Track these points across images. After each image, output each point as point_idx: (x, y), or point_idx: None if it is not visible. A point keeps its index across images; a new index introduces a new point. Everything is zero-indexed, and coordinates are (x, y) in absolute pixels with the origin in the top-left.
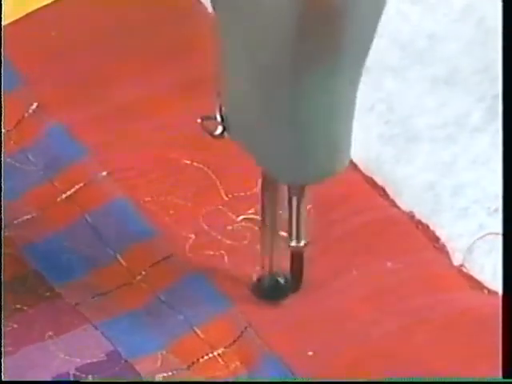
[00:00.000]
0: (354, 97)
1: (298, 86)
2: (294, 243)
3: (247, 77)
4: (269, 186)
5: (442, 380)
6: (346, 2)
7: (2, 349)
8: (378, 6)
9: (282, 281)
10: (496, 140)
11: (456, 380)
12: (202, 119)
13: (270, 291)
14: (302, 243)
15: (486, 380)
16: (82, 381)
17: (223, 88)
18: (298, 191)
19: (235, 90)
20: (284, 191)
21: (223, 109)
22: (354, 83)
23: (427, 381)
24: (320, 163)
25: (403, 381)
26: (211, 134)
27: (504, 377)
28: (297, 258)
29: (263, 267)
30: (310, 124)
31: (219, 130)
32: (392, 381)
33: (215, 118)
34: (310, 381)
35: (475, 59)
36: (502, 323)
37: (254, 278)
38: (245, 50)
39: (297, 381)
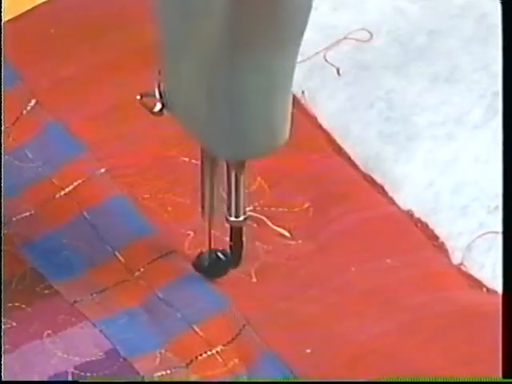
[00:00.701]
0: (291, 74)
1: (236, 62)
2: (233, 218)
3: (186, 53)
4: (208, 161)
5: (442, 380)
6: None
7: (2, 347)
8: None
9: (222, 256)
10: (496, 138)
11: (456, 380)
12: (141, 96)
13: (210, 267)
14: (241, 218)
15: (486, 380)
16: (80, 381)
17: (163, 65)
18: (236, 166)
19: (175, 67)
20: (223, 167)
21: (162, 85)
22: (290, 60)
23: (427, 381)
24: (257, 139)
25: (403, 381)
26: (150, 111)
27: (504, 377)
28: (236, 233)
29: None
30: (247, 100)
31: (158, 106)
32: (392, 381)
33: (154, 95)
34: (310, 381)
35: (475, 56)
36: (502, 322)
37: (253, 278)
38: (185, 25)
39: (297, 381)
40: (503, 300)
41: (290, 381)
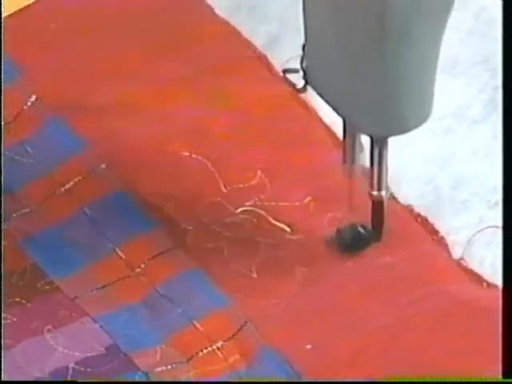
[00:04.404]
0: (439, 48)
1: (388, 42)
2: (375, 192)
3: (334, 35)
4: (350, 136)
5: (442, 380)
6: None
7: (2, 345)
8: None
9: (362, 231)
10: (496, 132)
11: (456, 380)
12: (284, 72)
13: (351, 241)
14: (383, 192)
15: (486, 380)
16: (79, 381)
17: (307, 41)
18: (380, 142)
19: (320, 44)
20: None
21: (305, 62)
22: (440, 34)
23: (427, 381)
24: (404, 116)
25: (403, 381)
26: (294, 87)
27: (504, 377)
28: (378, 206)
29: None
30: (397, 80)
31: (301, 82)
32: (392, 381)
33: (297, 71)
34: (310, 381)
35: (475, 50)
36: (501, 319)
37: (254, 273)
38: (333, 12)
39: (298, 381)
40: (503, 295)
41: (290, 381)
